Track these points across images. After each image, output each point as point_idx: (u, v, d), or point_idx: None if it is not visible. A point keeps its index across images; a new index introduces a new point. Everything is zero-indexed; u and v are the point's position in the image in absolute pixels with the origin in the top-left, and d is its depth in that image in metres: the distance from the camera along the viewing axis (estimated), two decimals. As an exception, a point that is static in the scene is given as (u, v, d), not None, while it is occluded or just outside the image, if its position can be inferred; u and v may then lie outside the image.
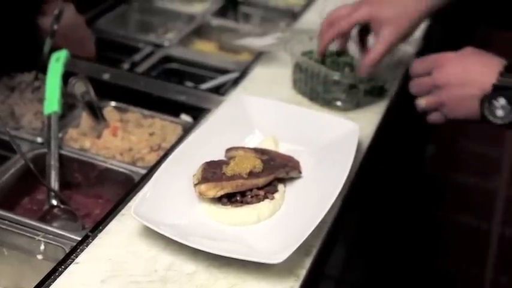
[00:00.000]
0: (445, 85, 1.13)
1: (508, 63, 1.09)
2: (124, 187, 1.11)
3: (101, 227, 0.98)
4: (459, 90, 1.11)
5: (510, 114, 1.06)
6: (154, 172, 1.03)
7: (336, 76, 1.28)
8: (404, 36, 1.25)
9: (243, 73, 1.43)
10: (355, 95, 1.31)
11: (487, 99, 1.07)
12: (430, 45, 1.60)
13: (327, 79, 1.29)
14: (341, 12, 1.26)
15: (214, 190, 0.99)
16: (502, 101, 1.06)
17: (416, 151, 2.63)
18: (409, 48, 1.46)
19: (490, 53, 1.14)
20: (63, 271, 0.90)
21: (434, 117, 1.19)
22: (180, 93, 1.37)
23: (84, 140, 1.23)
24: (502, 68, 1.08)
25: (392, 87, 1.39)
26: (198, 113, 1.30)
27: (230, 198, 1.01)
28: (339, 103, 1.31)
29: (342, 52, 1.35)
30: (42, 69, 1.30)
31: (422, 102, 1.18)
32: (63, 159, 1.16)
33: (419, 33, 1.61)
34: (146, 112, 1.31)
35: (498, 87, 1.06)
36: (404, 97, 1.45)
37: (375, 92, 1.34)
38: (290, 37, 1.41)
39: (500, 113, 1.07)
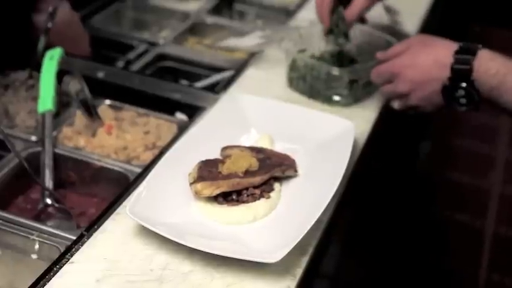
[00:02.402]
0: (411, 91, 1.19)
1: (459, 46, 1.14)
2: (119, 186, 1.11)
3: (96, 226, 0.98)
4: (424, 92, 1.18)
5: (472, 101, 1.13)
6: (150, 171, 1.03)
7: (338, 71, 1.28)
8: None
9: (238, 71, 1.43)
10: (355, 89, 1.31)
11: (448, 93, 1.15)
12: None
13: (328, 75, 1.29)
14: None
15: (210, 189, 0.98)
16: (461, 92, 1.13)
17: (411, 149, 2.63)
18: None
19: (437, 37, 1.21)
20: (58, 271, 0.90)
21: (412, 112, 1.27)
22: (175, 91, 1.36)
23: (78, 139, 1.22)
24: (454, 55, 1.13)
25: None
26: (193, 112, 1.30)
27: (226, 197, 1.01)
28: (339, 99, 1.31)
29: (341, 52, 1.35)
30: (37, 67, 1.29)
31: (395, 106, 1.26)
32: (57, 158, 1.16)
33: (413, 31, 1.62)
34: (141, 110, 1.31)
35: (454, 78, 1.13)
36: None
37: (371, 83, 1.34)
38: (279, 35, 1.41)
39: (463, 101, 1.14)
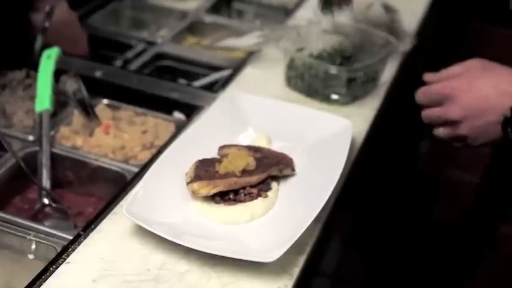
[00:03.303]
0: (462, 119, 1.05)
1: None
2: (116, 185, 1.10)
3: (92, 226, 0.98)
4: (478, 121, 1.04)
5: None
6: (147, 170, 1.03)
7: (336, 70, 1.28)
8: None
9: (236, 70, 1.43)
10: (353, 88, 1.31)
11: (509, 125, 1.00)
12: (424, 41, 1.60)
13: (326, 74, 1.29)
14: None
15: (207, 188, 0.98)
16: None
17: (410, 147, 2.63)
18: (402, 45, 1.45)
19: (496, 63, 1.08)
20: (54, 271, 0.89)
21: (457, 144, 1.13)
22: (172, 90, 1.36)
23: (76, 138, 1.22)
24: None
25: (383, 75, 1.38)
26: (191, 111, 1.30)
27: (223, 197, 1.00)
28: (337, 97, 1.31)
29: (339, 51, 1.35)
30: (34, 66, 1.29)
31: (440, 134, 1.12)
32: (55, 158, 1.16)
33: (412, 29, 1.61)
34: (139, 110, 1.31)
35: None
36: (397, 93, 1.45)
37: (369, 81, 1.34)
38: (278, 35, 1.41)
39: None
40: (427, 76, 1.14)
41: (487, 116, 1.02)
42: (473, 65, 1.09)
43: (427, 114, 1.12)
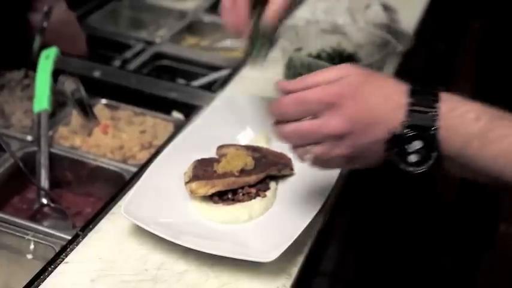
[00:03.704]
0: (346, 134, 0.80)
1: (412, 86, 0.80)
2: (115, 185, 1.10)
3: (91, 226, 0.98)
4: (364, 137, 0.80)
5: (427, 159, 0.79)
6: (145, 170, 1.03)
7: None
8: None
9: (235, 70, 1.43)
10: None
11: (398, 144, 0.79)
12: (422, 41, 1.60)
13: None
14: None
15: (205, 188, 0.98)
16: (416, 143, 0.78)
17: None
18: (400, 45, 1.45)
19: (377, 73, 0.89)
20: (52, 271, 0.90)
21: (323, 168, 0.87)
22: (171, 90, 1.36)
23: (74, 138, 1.22)
24: (410, 95, 0.79)
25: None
26: (189, 110, 1.30)
27: (221, 196, 1.00)
28: None
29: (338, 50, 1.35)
30: (32, 66, 1.29)
31: (307, 157, 0.84)
32: (53, 158, 1.16)
33: (411, 29, 1.61)
34: (137, 110, 1.31)
35: (411, 126, 0.77)
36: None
37: None
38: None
39: (415, 158, 0.79)
40: (286, 85, 0.86)
41: (375, 132, 0.79)
42: (350, 71, 0.83)
43: (294, 129, 0.82)
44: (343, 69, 0.83)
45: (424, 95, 0.78)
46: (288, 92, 0.84)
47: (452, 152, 0.78)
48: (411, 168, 0.79)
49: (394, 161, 0.80)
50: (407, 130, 0.77)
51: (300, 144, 0.83)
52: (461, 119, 0.77)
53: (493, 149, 0.77)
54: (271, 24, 0.97)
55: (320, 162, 0.83)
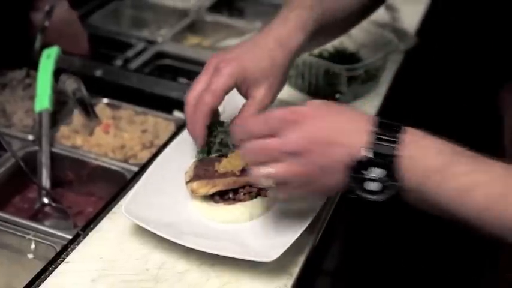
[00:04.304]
0: (304, 152, 0.78)
1: (379, 119, 0.79)
2: (116, 185, 1.10)
3: (92, 226, 0.98)
4: (324, 157, 0.78)
5: (385, 189, 0.78)
6: (147, 170, 1.03)
7: (336, 69, 1.28)
8: (278, 89, 1.03)
9: (236, 69, 1.42)
10: (354, 86, 1.30)
11: (358, 170, 0.78)
12: (425, 40, 1.59)
13: (327, 72, 1.28)
14: (198, 87, 1.01)
15: (206, 188, 0.98)
16: (377, 171, 0.77)
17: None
18: (402, 44, 1.45)
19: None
20: (53, 270, 0.89)
21: (282, 195, 0.91)
22: (173, 89, 1.36)
23: (75, 138, 1.22)
24: (373, 124, 0.78)
25: (383, 73, 1.38)
26: (191, 110, 1.29)
27: (223, 196, 1.00)
28: (338, 96, 1.30)
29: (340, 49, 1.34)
30: (34, 66, 1.29)
31: (265, 175, 0.81)
32: (54, 157, 1.16)
33: (413, 28, 1.61)
34: (139, 109, 1.30)
35: (372, 152, 0.77)
36: (398, 92, 1.44)
37: (370, 79, 1.33)
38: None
39: (374, 186, 0.78)
40: (243, 115, 0.95)
41: (336, 153, 0.78)
42: (313, 102, 0.83)
43: (255, 146, 0.81)
44: (310, 102, 0.83)
45: (388, 126, 0.78)
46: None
47: (413, 183, 0.77)
48: (368, 196, 0.79)
49: (352, 187, 0.79)
50: (369, 156, 0.77)
51: (261, 160, 0.81)
52: (424, 151, 0.77)
53: (451, 186, 0.76)
54: (232, 134, 0.95)
55: (279, 183, 0.82)
